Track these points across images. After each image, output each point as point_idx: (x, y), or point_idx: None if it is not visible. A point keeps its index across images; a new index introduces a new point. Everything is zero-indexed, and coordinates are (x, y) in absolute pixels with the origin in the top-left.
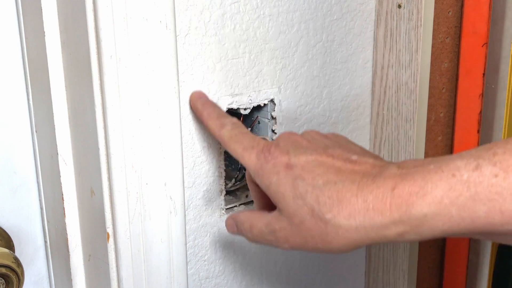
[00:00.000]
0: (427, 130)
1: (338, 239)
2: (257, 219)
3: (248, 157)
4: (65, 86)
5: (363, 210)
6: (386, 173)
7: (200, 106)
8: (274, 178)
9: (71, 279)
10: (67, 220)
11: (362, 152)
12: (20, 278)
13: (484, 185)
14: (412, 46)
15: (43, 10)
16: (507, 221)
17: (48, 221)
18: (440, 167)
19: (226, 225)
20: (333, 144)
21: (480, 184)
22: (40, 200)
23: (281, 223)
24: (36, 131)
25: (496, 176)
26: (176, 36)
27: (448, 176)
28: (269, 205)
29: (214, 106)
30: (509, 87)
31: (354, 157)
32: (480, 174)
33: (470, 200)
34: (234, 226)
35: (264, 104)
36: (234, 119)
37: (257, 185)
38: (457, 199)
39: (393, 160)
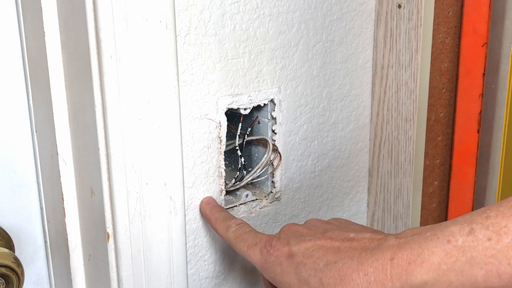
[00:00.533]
0: (427, 130)
1: None
2: None
3: (252, 254)
4: (65, 86)
5: (366, 283)
6: (384, 245)
7: (208, 212)
8: (278, 269)
9: (71, 279)
10: (67, 220)
11: (361, 229)
12: (20, 278)
13: (479, 249)
14: (412, 46)
15: (43, 10)
16: (506, 284)
17: (48, 221)
18: (435, 233)
19: None
20: (332, 227)
21: (475, 248)
22: (40, 200)
23: None
24: (36, 131)
25: (489, 239)
26: (176, 36)
27: (444, 242)
28: None
29: (221, 210)
30: (509, 87)
31: (352, 235)
32: (474, 238)
33: (467, 265)
34: None
35: (264, 104)
36: (239, 220)
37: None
38: (455, 265)
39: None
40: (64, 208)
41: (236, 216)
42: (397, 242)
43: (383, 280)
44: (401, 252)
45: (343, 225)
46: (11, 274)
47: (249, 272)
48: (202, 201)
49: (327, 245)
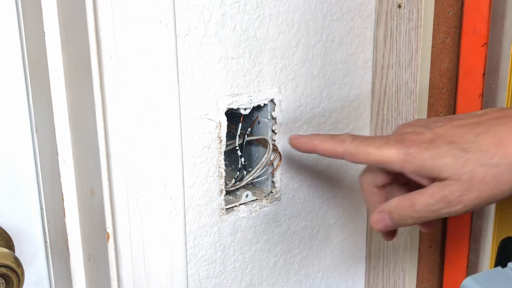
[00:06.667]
0: None
1: (510, 176)
2: (417, 196)
3: (387, 153)
4: (65, 86)
5: None
6: None
7: (306, 139)
8: (426, 155)
9: (71, 279)
10: (67, 220)
11: (478, 111)
12: (20, 278)
13: None
14: (412, 46)
15: (43, 10)
16: None
17: (48, 221)
18: None
19: (374, 223)
20: (451, 116)
21: None
22: (40, 200)
23: (450, 187)
24: (36, 131)
25: None
26: (176, 36)
27: None
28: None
29: (319, 134)
30: (509, 87)
31: (480, 112)
32: None
33: None
34: (385, 218)
35: (264, 104)
36: (346, 133)
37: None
38: None
39: None
40: (64, 208)
41: (236, 217)
42: None
43: None
44: None
45: (453, 115)
46: (11, 274)
47: (250, 272)
48: (290, 138)
49: (462, 123)
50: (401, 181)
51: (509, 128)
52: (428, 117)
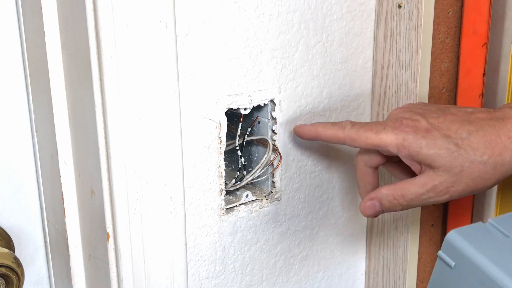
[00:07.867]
0: None
1: (495, 175)
2: (407, 186)
3: (385, 137)
4: (65, 86)
5: (510, 144)
6: (508, 114)
7: (310, 127)
8: (422, 143)
9: (71, 279)
10: (67, 220)
11: (466, 106)
12: (20, 278)
13: None
14: (412, 46)
15: (43, 10)
16: None
17: (48, 221)
18: None
19: (364, 209)
20: (441, 106)
21: None
22: (40, 200)
23: (440, 178)
24: (36, 131)
25: None
26: (176, 36)
27: None
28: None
29: (320, 122)
30: (509, 87)
31: (470, 109)
32: None
33: None
34: (376, 205)
35: (264, 104)
36: (346, 120)
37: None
38: None
39: None
40: (64, 208)
41: (236, 217)
42: None
43: None
44: None
45: (445, 106)
46: (11, 274)
47: (250, 272)
48: (295, 127)
49: (456, 118)
50: (394, 160)
51: (496, 130)
52: None
